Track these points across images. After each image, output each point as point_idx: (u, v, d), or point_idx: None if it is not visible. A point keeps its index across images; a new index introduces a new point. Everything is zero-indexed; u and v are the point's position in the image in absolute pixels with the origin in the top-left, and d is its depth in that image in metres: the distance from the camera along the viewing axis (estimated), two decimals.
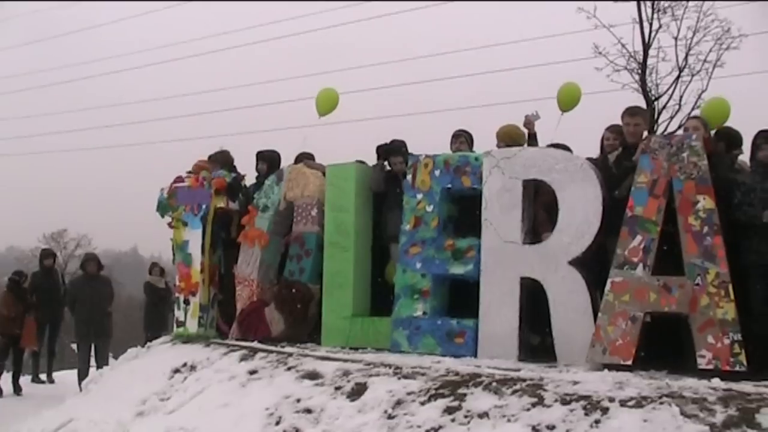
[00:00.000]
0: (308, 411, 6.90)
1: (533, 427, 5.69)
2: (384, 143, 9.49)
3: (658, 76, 18.38)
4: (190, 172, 10.22)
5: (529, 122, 8.96)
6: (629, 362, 6.82)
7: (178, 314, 9.96)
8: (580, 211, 7.45)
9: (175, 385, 8.56)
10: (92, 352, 13.29)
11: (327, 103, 10.55)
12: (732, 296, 6.59)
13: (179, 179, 10.16)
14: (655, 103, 18.19)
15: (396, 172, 9.04)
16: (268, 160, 10.23)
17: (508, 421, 5.85)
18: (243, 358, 8.44)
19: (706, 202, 6.81)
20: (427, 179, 8.28)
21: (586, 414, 5.63)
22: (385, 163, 9.30)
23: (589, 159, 7.96)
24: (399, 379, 6.90)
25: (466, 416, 6.06)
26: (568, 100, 9.76)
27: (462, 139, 9.00)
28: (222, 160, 10.33)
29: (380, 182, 9.16)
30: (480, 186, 7.97)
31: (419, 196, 8.31)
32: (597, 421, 5.53)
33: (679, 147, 7.03)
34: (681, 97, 17.94)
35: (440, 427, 6.06)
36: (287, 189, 9.51)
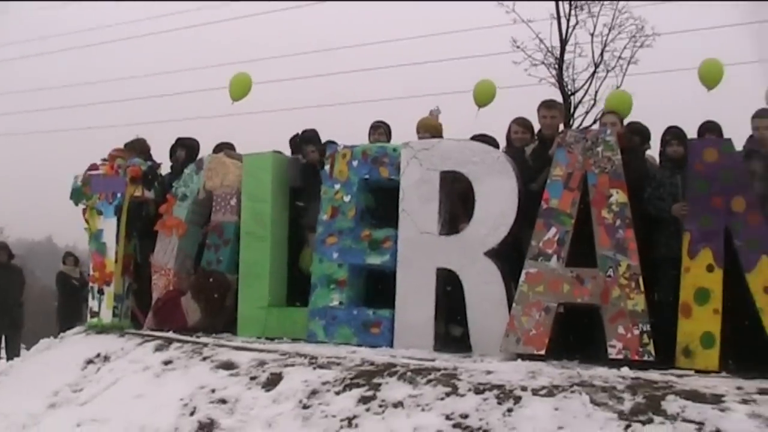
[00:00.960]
0: (223, 401, 6.85)
1: (447, 416, 5.75)
2: (295, 134, 9.43)
3: (575, 72, 18.70)
4: (104, 160, 10.04)
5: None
6: (542, 352, 6.93)
7: (92, 304, 9.77)
8: (497, 203, 7.50)
9: (88, 376, 8.40)
10: (2, 344, 13.00)
11: (240, 88, 10.47)
12: (642, 288, 6.75)
13: (94, 167, 9.95)
14: (572, 97, 18.49)
15: (312, 162, 8.99)
16: (188, 148, 10.10)
17: (423, 410, 5.90)
18: (158, 349, 8.33)
19: (619, 196, 6.95)
20: (344, 169, 8.27)
21: (499, 403, 5.72)
22: (300, 156, 9.25)
23: (506, 152, 8.05)
24: (314, 369, 6.90)
25: (380, 406, 6.09)
26: (483, 96, 9.92)
27: (381, 130, 9.00)
28: (138, 148, 10.15)
29: (296, 177, 9.09)
30: (398, 177, 7.99)
31: (337, 186, 8.29)
32: (510, 410, 5.62)
33: (594, 141, 7.15)
34: (596, 92, 18.27)
35: (355, 416, 6.08)
36: (207, 178, 9.38)
